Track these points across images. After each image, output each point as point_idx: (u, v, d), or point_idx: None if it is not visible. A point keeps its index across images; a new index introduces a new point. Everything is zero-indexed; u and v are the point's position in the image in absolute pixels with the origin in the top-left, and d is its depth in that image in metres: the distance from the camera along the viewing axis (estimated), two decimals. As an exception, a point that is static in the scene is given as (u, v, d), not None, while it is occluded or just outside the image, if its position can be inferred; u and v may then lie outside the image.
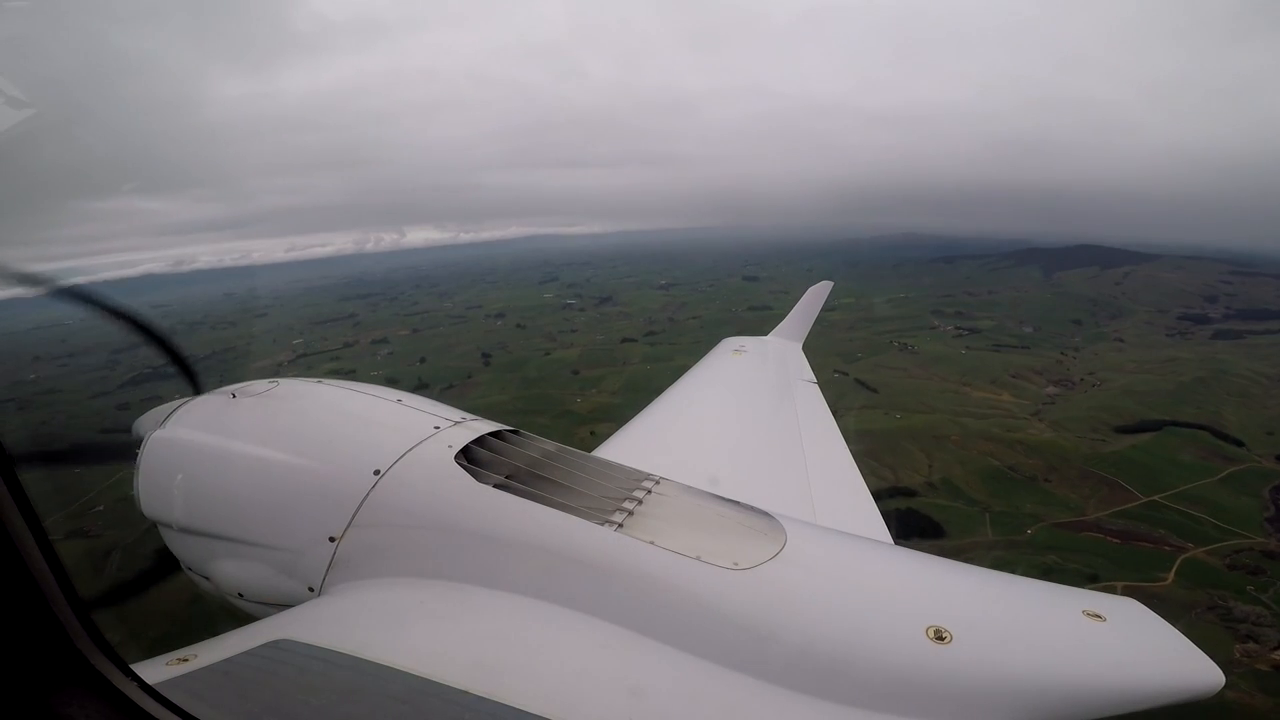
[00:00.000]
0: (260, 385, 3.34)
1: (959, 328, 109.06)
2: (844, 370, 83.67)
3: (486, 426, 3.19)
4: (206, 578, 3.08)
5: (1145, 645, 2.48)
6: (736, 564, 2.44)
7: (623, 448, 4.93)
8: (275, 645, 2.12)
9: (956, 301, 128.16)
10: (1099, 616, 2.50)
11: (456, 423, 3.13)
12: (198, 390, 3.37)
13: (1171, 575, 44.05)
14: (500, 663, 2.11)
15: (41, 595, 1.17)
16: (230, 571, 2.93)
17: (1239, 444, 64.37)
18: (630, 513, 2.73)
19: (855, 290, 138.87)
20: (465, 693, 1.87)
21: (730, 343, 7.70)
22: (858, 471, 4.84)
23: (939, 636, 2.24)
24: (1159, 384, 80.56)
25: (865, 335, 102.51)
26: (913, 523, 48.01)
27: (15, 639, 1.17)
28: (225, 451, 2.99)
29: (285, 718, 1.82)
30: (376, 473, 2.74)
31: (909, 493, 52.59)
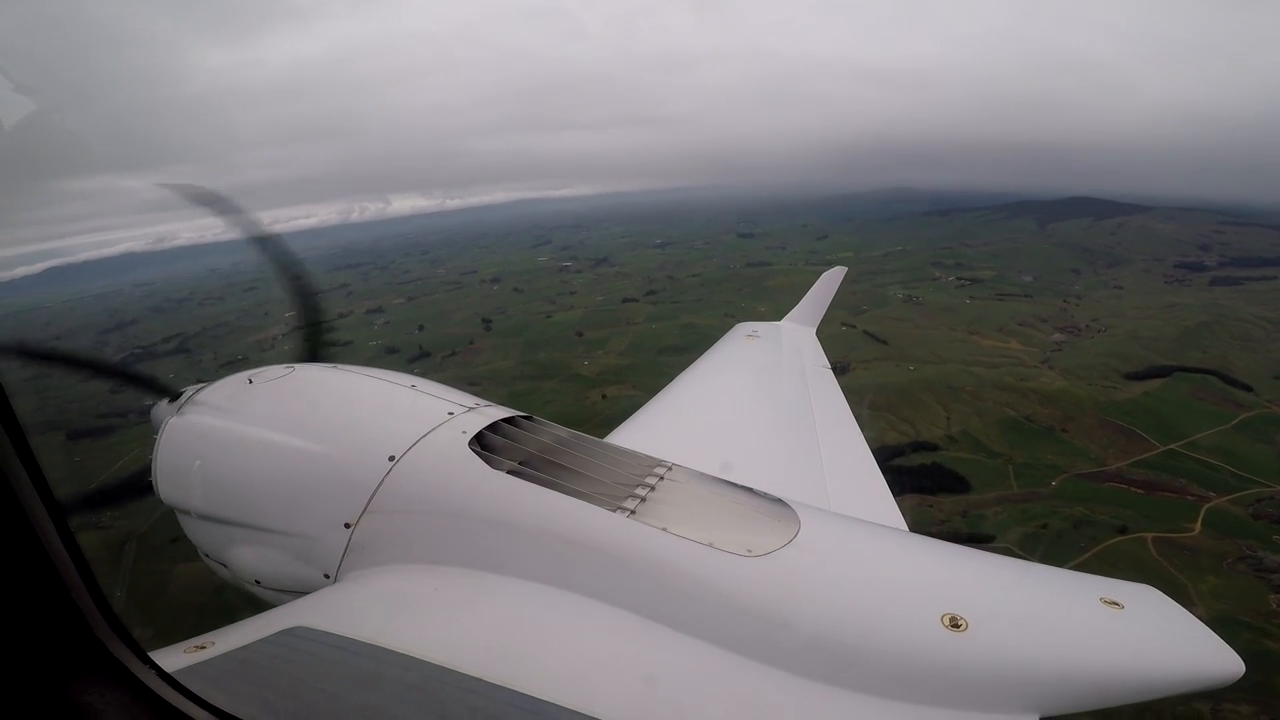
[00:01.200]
0: (276, 370, 3.32)
1: (960, 278, 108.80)
2: (851, 323, 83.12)
3: (500, 412, 3.14)
4: (224, 564, 3.06)
5: (1164, 633, 2.46)
6: (750, 551, 2.40)
7: (635, 433, 4.82)
8: (291, 633, 2.13)
9: (954, 253, 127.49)
10: (1117, 604, 2.44)
11: (470, 408, 3.07)
12: (166, 394, 3.37)
13: (1198, 525, 44.12)
14: (514, 650, 2.13)
15: (62, 584, 1.19)
16: (247, 558, 2.93)
17: (1248, 389, 64.72)
18: (643, 499, 2.68)
19: (853, 244, 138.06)
20: (479, 680, 1.88)
21: (743, 328, 7.50)
22: (872, 457, 4.72)
23: (954, 624, 2.20)
24: (1163, 329, 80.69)
25: (868, 288, 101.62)
26: (938, 478, 47.82)
27: (36, 627, 1.19)
28: (242, 437, 2.99)
29: (301, 705, 1.84)
30: (391, 459, 2.71)
31: (931, 447, 52.41)
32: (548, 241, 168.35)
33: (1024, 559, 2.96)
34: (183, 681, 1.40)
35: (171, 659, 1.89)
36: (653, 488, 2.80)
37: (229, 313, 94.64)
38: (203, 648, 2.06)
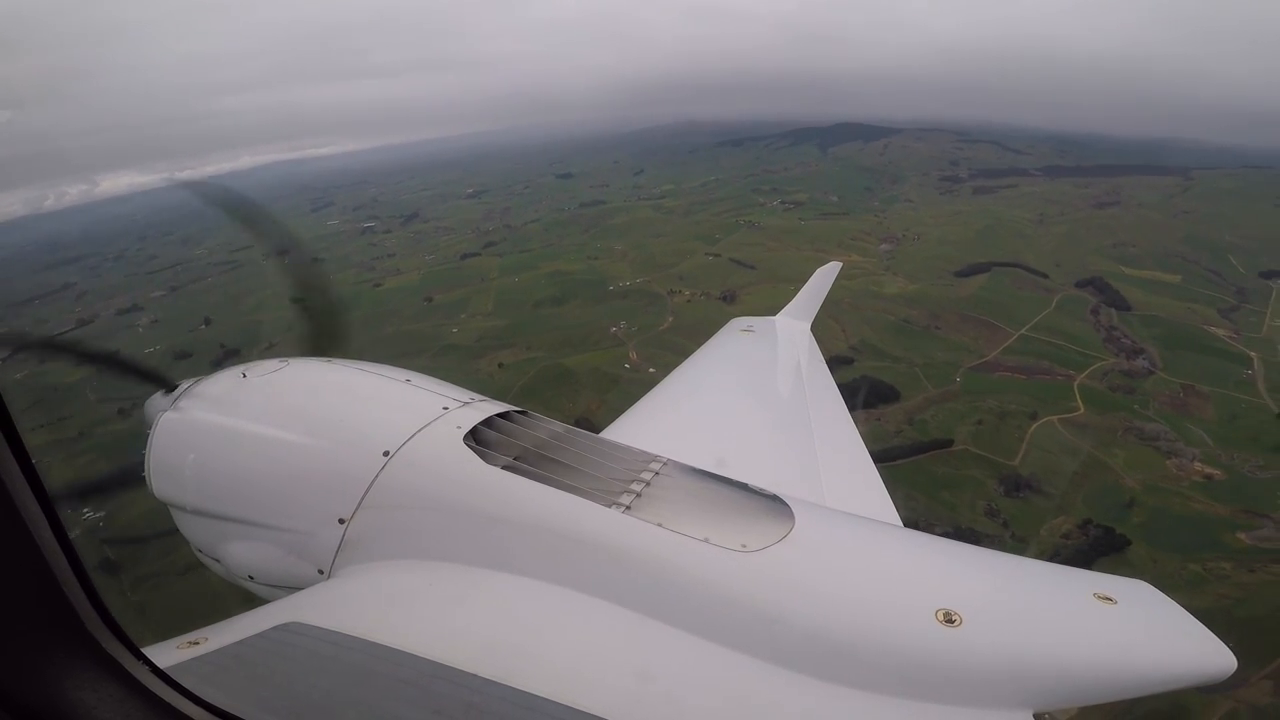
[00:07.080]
0: (270, 364, 3.30)
1: (784, 202, 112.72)
2: (714, 252, 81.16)
3: (495, 407, 3.12)
4: (217, 560, 3.07)
5: (1156, 628, 2.47)
6: (745, 546, 2.38)
7: (629, 429, 4.65)
8: (285, 628, 2.14)
9: (763, 180, 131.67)
10: (1109, 599, 2.46)
11: (465, 403, 3.07)
12: (163, 385, 3.34)
13: (1081, 404, 48.36)
14: (508, 646, 2.14)
15: (54, 579, 1.18)
16: (241, 553, 2.93)
17: (1044, 275, 74.09)
18: (638, 494, 2.67)
19: (671, 177, 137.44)
20: (473, 675, 1.89)
21: (738, 323, 7.20)
22: (867, 453, 4.65)
23: (948, 619, 2.20)
24: (962, 233, 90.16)
25: (707, 217, 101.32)
26: (873, 390, 47.05)
27: (28, 622, 1.19)
28: (236, 432, 2.96)
29: (295, 701, 1.85)
30: (386, 454, 2.70)
31: (848, 360, 52.12)
32: (330, 203, 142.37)
33: (1017, 554, 2.97)
34: (176, 677, 1.39)
35: (165, 655, 1.89)
36: (648, 483, 2.77)
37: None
38: (197, 643, 2.05)
